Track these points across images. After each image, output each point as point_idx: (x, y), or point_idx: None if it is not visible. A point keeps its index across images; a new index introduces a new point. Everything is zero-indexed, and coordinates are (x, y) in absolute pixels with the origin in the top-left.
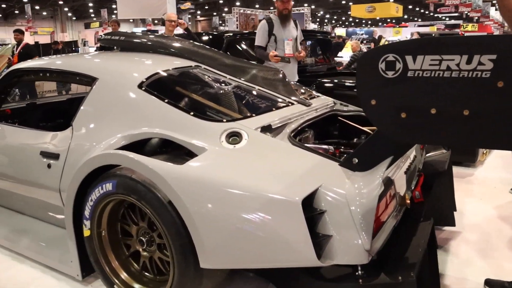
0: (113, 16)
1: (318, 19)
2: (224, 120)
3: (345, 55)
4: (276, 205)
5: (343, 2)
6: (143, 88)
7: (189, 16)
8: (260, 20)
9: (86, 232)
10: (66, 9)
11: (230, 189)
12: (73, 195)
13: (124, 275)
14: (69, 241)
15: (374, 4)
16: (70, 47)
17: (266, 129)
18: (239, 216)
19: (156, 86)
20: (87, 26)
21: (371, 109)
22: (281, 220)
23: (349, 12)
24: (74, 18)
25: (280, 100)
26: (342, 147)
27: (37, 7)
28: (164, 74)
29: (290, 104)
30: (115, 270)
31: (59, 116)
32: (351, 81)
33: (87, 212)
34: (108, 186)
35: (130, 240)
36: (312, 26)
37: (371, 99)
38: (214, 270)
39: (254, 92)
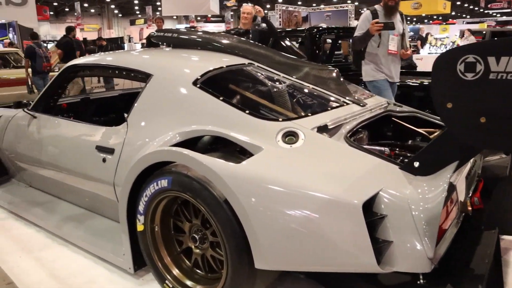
0: (157, 13)
1: (353, 15)
2: (280, 119)
3: None
4: (336, 208)
5: None
6: (198, 85)
7: (232, 13)
8: (303, 17)
9: (140, 227)
10: (112, 6)
11: (288, 189)
12: (128, 190)
13: (176, 271)
14: (123, 234)
15: (420, 0)
16: (116, 43)
17: (322, 129)
18: (297, 218)
19: (211, 84)
20: (132, 22)
21: (447, 112)
22: (341, 223)
23: None
24: (120, 15)
25: (335, 99)
26: (397, 149)
27: (85, 5)
28: (219, 71)
29: (345, 104)
30: (167, 266)
31: (112, 110)
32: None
33: (141, 207)
34: (164, 183)
35: (182, 237)
36: (355, 23)
37: (447, 102)
38: (268, 271)
39: (309, 91)
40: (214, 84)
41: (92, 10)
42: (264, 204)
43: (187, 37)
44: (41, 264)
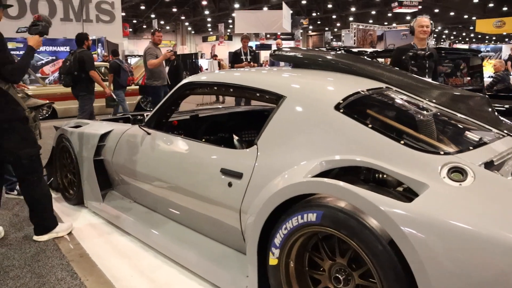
0: (229, 30)
1: (435, 35)
2: (441, 153)
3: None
4: None
5: (465, 17)
6: (341, 110)
7: (301, 31)
8: (378, 36)
9: (273, 261)
10: (186, 23)
11: (474, 236)
12: (263, 220)
13: None
14: (250, 266)
15: (504, 18)
16: (191, 59)
17: (489, 165)
18: (483, 270)
19: (355, 109)
20: (205, 39)
21: None
22: None
23: (471, 27)
24: (193, 32)
25: (489, 131)
26: None
27: (162, 22)
28: (360, 96)
29: (501, 136)
30: None
31: (222, 130)
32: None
33: (277, 240)
34: (311, 217)
35: (320, 275)
36: (432, 43)
37: None
38: None
39: (458, 121)
40: (359, 109)
41: (168, 27)
42: (443, 251)
43: (312, 57)
44: None
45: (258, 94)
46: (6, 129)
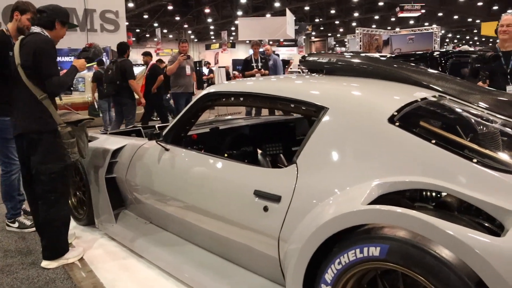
0: (231, 37)
1: (438, 38)
2: None
3: None
4: None
5: (469, 20)
6: (396, 123)
7: (304, 37)
8: (384, 41)
9: None
10: (189, 32)
11: None
12: (310, 253)
13: None
14: None
15: None
16: (195, 67)
17: None
18: None
19: (412, 121)
20: (208, 47)
21: None
22: None
23: (474, 30)
24: (196, 40)
25: None
26: None
27: (165, 31)
28: (416, 105)
29: None
30: None
31: (247, 144)
32: None
33: (328, 276)
34: (374, 251)
35: None
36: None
37: None
38: None
39: None
40: (415, 122)
41: (171, 36)
42: None
43: (351, 63)
44: None
45: (292, 105)
46: (34, 140)
